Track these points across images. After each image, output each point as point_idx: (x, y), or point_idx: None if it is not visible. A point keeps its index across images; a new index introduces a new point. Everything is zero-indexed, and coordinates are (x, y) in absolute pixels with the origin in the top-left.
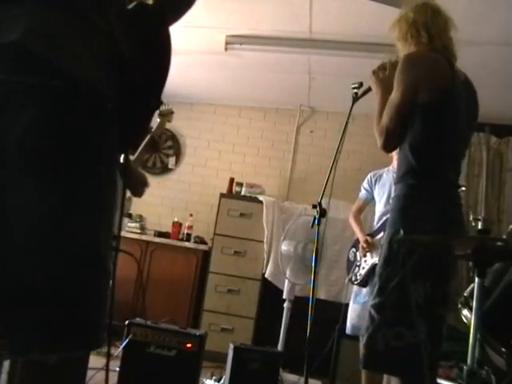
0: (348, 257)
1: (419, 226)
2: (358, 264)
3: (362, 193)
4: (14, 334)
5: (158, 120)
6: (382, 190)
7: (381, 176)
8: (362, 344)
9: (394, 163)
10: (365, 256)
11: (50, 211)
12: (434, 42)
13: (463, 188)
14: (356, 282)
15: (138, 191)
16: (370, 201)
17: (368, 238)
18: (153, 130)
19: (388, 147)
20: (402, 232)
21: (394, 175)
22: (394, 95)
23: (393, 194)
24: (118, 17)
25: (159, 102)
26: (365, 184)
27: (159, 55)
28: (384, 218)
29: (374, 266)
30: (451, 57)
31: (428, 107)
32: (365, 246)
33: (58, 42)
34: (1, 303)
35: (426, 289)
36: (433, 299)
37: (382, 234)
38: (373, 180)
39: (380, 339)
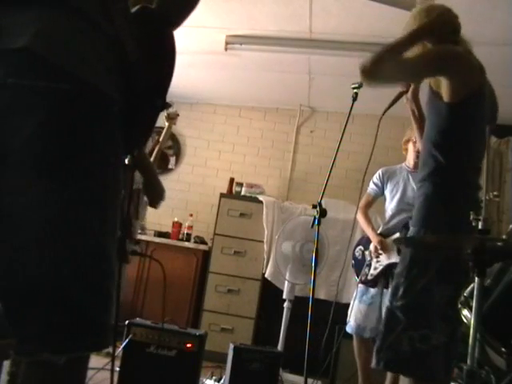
0: (354, 255)
1: (444, 226)
2: (369, 264)
3: (372, 188)
4: (24, 335)
5: (167, 124)
6: (395, 188)
7: (393, 173)
8: (386, 345)
9: (409, 161)
10: (377, 257)
11: (56, 213)
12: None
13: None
14: (365, 282)
15: (156, 202)
16: (380, 197)
17: (382, 239)
18: (162, 135)
19: (372, 78)
20: (424, 232)
21: (409, 174)
22: (422, 54)
23: (416, 192)
24: (123, 19)
25: (165, 103)
26: (375, 179)
27: (164, 56)
28: (398, 218)
29: (387, 267)
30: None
31: (457, 107)
32: (379, 247)
33: (65, 45)
34: (10, 304)
35: (449, 291)
36: (455, 301)
37: (397, 234)
38: (384, 177)
39: (406, 341)
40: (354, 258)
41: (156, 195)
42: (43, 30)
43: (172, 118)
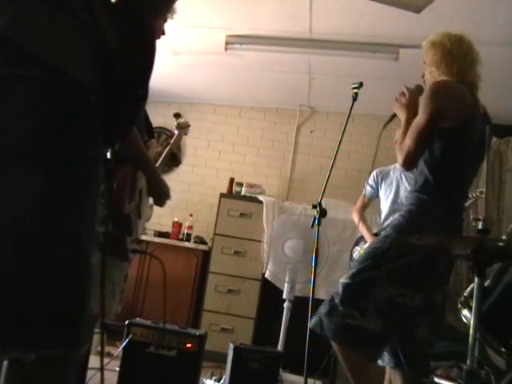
0: (352, 255)
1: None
2: None
3: (367, 189)
4: None
5: (176, 132)
6: (388, 188)
7: (387, 174)
8: (324, 311)
9: None
10: None
11: (31, 205)
12: (463, 76)
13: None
14: None
15: (161, 201)
16: (375, 198)
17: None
18: (171, 143)
19: (408, 166)
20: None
21: (402, 174)
22: (420, 118)
23: (403, 195)
24: (103, 7)
25: (147, 93)
26: (370, 180)
27: (145, 45)
28: (391, 218)
29: None
30: (475, 90)
31: (449, 132)
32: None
33: (41, 34)
34: None
35: (392, 291)
36: (397, 302)
37: None
38: (379, 177)
39: (339, 313)
40: (352, 258)
41: (160, 194)
42: (19, 18)
43: (182, 128)
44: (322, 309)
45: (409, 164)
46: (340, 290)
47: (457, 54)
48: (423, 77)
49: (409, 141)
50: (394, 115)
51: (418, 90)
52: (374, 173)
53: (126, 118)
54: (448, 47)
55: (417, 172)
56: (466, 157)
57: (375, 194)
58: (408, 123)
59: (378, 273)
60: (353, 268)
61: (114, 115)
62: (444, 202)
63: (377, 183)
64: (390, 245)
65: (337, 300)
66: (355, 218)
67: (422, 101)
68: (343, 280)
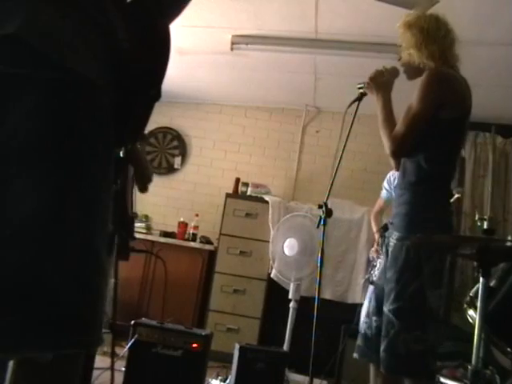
0: (368, 256)
1: (430, 232)
2: (375, 264)
3: (383, 192)
4: (3, 331)
5: None
6: None
7: None
8: (382, 349)
9: None
10: (378, 257)
11: (41, 206)
12: (445, 59)
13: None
14: (371, 282)
15: (145, 186)
16: (392, 199)
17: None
18: None
19: (400, 154)
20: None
21: None
22: (417, 106)
23: (397, 198)
24: (116, 7)
25: (159, 93)
26: (385, 183)
27: (158, 45)
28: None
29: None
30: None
31: (451, 123)
32: (377, 247)
33: (54, 34)
34: None
35: (439, 295)
36: (442, 305)
37: None
38: (392, 179)
39: (401, 344)
40: (368, 259)
41: (146, 180)
42: (32, 18)
43: None
44: (381, 347)
45: (401, 152)
46: (392, 318)
47: (436, 35)
48: (399, 59)
49: (403, 128)
50: (364, 94)
51: (395, 72)
52: (388, 175)
53: (139, 119)
54: (426, 28)
55: (411, 167)
56: (462, 145)
57: (391, 196)
58: (386, 106)
59: (421, 281)
60: (391, 291)
61: (126, 115)
62: (443, 196)
63: (390, 185)
64: (407, 252)
65: (393, 331)
66: (371, 220)
67: (420, 88)
68: (391, 306)
